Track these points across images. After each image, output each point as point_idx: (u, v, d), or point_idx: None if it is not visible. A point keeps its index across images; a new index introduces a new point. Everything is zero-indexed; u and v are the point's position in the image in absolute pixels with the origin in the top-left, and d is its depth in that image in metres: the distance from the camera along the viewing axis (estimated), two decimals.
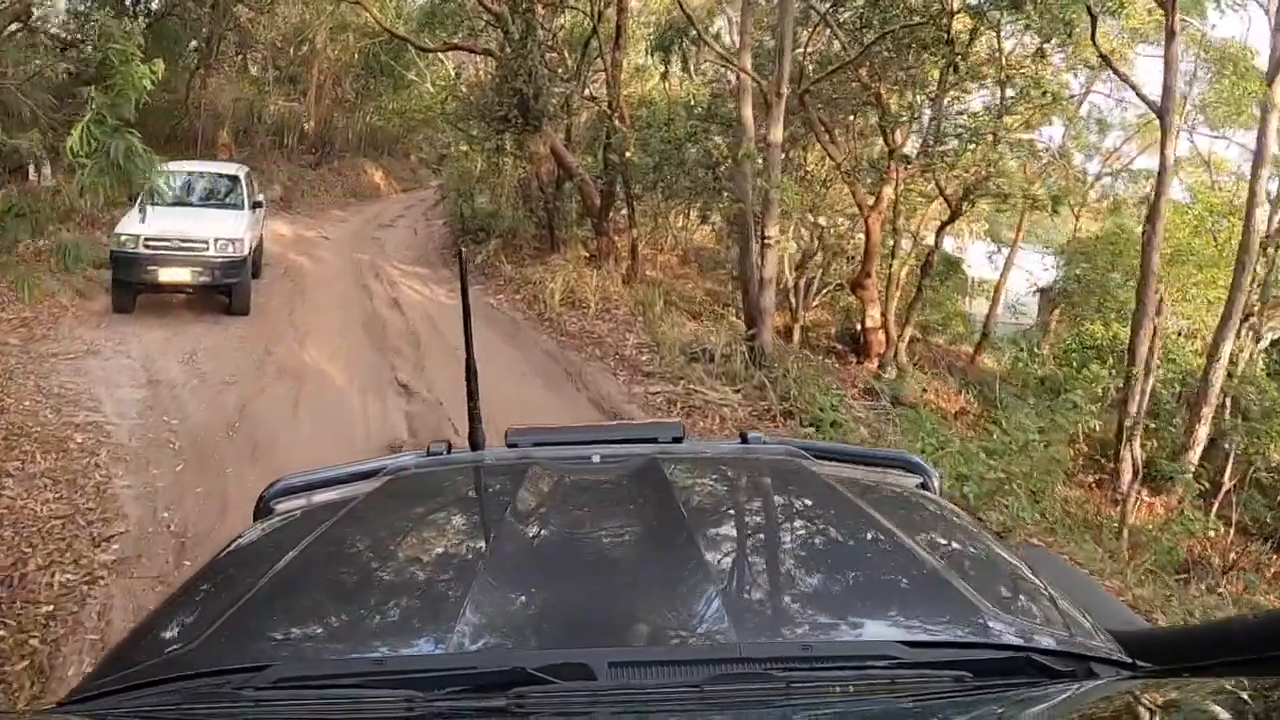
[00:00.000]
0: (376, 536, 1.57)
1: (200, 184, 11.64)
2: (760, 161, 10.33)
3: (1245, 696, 0.97)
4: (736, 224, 11.29)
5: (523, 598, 1.30)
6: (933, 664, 1.06)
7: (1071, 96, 17.44)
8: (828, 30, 12.82)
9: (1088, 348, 16.12)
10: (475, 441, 2.04)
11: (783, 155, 13.42)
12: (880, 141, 13.45)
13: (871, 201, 13.46)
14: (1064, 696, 1.05)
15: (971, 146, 10.62)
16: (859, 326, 15.53)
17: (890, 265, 14.21)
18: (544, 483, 1.74)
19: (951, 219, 12.05)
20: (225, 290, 10.41)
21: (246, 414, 7.44)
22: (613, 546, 1.57)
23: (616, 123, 13.62)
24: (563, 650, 1.10)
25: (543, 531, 1.59)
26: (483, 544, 1.52)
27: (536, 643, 1.18)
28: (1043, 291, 22.92)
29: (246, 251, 10.38)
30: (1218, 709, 0.98)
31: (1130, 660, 1.14)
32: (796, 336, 16.26)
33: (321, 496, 1.80)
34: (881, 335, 14.96)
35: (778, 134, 9.96)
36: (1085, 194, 21.05)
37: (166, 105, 19.43)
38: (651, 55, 13.68)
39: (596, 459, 1.87)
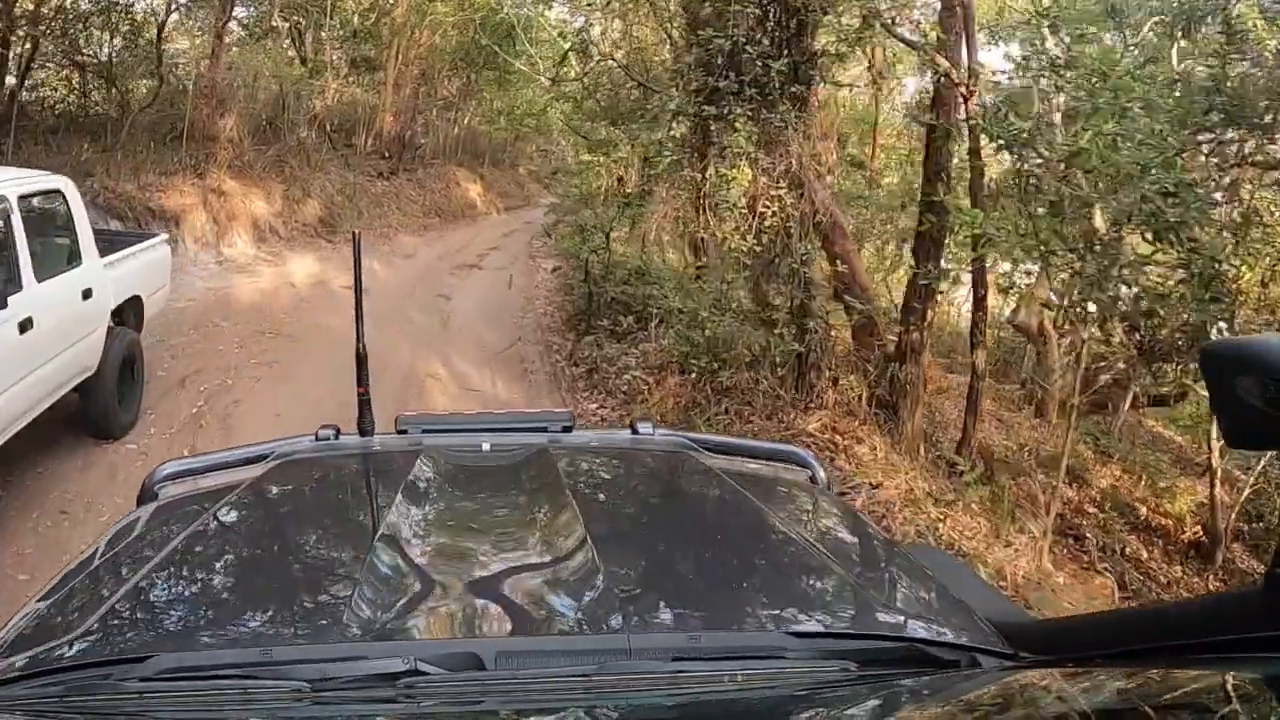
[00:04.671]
0: (263, 523, 1.50)
1: None
2: None
3: (1117, 684, 0.95)
4: None
5: (412, 587, 1.22)
6: (819, 655, 1.03)
7: None
8: None
9: None
10: (364, 427, 1.87)
11: None
12: None
13: None
14: (945, 685, 1.01)
15: None
16: None
17: None
18: (433, 470, 1.63)
19: None
20: None
21: None
22: (502, 536, 1.43)
23: (973, 106, 5.31)
24: (452, 640, 1.06)
25: (432, 520, 1.47)
26: (371, 531, 1.36)
27: (426, 633, 1.10)
28: None
29: None
30: (1090, 695, 0.95)
31: (1012, 651, 1.10)
32: None
33: (208, 481, 1.66)
34: None
35: None
36: None
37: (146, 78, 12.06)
38: None
39: (487, 447, 1.77)
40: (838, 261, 6.32)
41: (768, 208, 4.83)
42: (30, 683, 0.97)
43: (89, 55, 11.16)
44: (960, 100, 5.61)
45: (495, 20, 19.15)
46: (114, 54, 11.52)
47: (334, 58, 17.48)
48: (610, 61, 7.65)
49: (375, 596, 1.11)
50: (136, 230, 7.66)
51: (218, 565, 1.29)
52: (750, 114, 4.83)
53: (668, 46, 11.98)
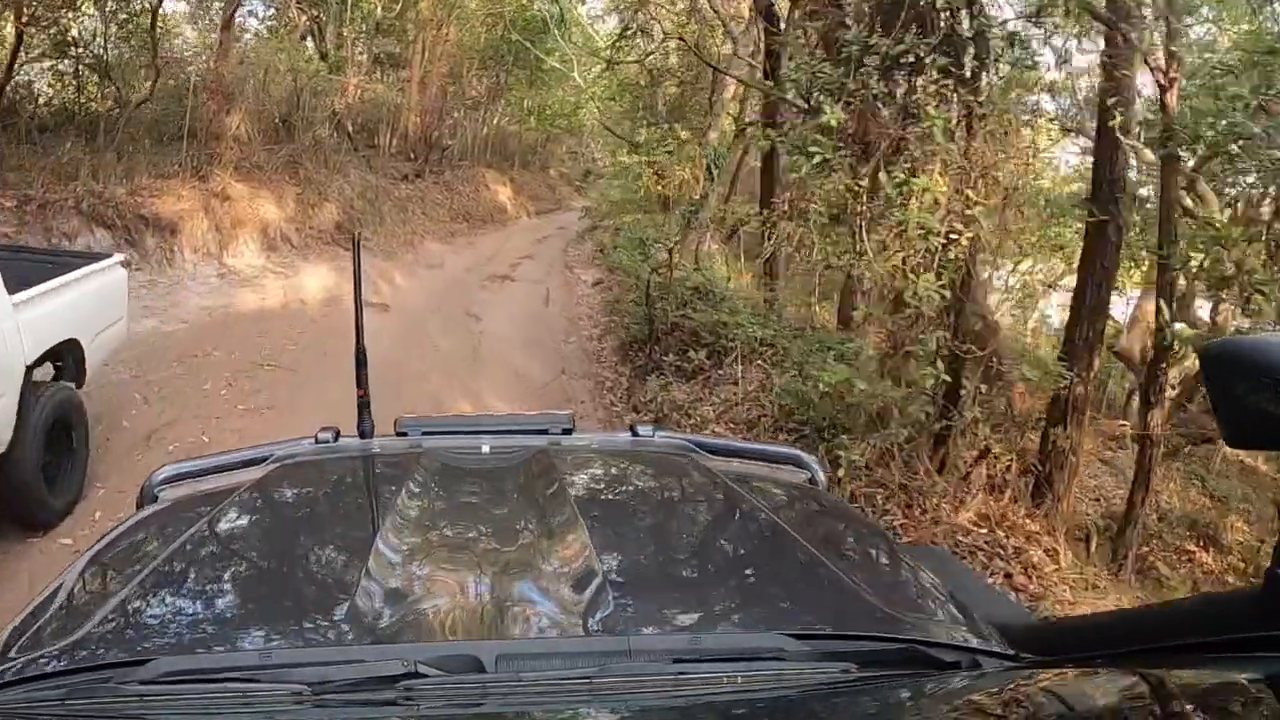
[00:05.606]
0: (263, 526, 1.46)
1: None
2: None
3: (1117, 685, 0.94)
4: None
5: (412, 589, 1.19)
6: (819, 656, 1.00)
7: None
8: None
9: None
10: (364, 430, 1.85)
11: None
12: None
13: None
14: (945, 686, 0.99)
15: None
16: None
17: None
18: (433, 473, 1.61)
19: None
20: None
21: None
22: (502, 538, 1.39)
23: (1171, 98, 3.88)
24: (452, 643, 1.05)
25: (431, 522, 1.44)
26: (371, 534, 1.32)
27: (426, 635, 1.08)
28: None
29: None
30: (1090, 696, 0.94)
31: (1013, 652, 1.09)
32: None
33: (207, 484, 1.62)
34: None
35: None
36: None
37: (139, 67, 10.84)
38: None
39: (486, 449, 1.76)
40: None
41: (959, 231, 3.38)
42: (29, 686, 0.95)
43: (81, 45, 9.95)
44: (1157, 89, 4.17)
45: (526, 16, 17.96)
46: (107, 43, 10.29)
47: (356, 53, 16.29)
48: (679, 40, 6.22)
49: (375, 599, 1.08)
50: (77, 251, 6.28)
51: (217, 568, 1.26)
52: (942, 93, 3.38)
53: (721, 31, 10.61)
